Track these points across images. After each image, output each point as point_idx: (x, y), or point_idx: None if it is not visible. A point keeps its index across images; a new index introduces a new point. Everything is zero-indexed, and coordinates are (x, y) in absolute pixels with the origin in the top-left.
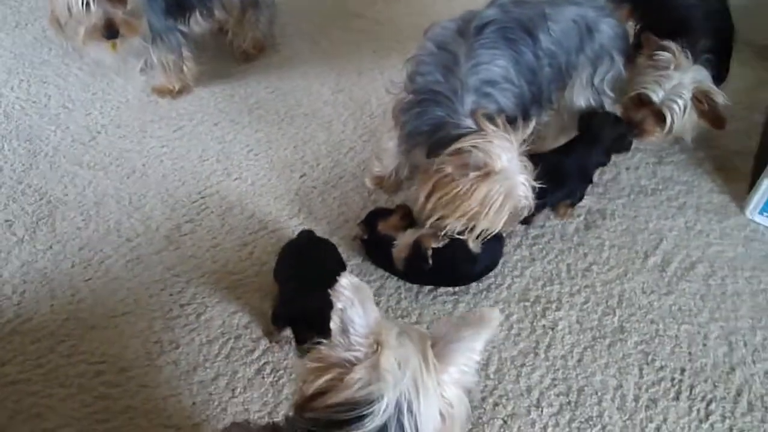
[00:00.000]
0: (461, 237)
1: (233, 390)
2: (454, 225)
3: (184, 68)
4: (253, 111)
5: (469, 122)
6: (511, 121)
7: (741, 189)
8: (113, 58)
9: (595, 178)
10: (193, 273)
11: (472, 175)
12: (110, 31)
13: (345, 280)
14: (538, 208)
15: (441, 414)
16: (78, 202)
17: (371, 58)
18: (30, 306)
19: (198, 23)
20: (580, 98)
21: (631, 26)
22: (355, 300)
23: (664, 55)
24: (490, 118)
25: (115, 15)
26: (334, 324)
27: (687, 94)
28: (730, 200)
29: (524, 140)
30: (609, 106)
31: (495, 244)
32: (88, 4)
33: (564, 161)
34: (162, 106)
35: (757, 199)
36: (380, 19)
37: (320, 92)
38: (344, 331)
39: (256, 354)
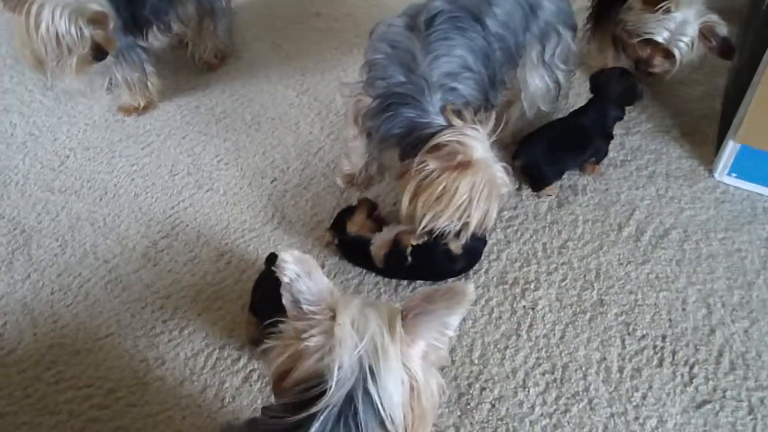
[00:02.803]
0: (451, 238)
1: (222, 400)
2: (447, 224)
3: (149, 84)
4: (220, 120)
5: (440, 120)
6: (476, 111)
7: (708, 152)
8: (80, 81)
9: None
10: (173, 288)
11: (454, 165)
12: (100, 54)
13: (286, 255)
14: (559, 173)
15: (409, 385)
16: (52, 228)
17: (333, 55)
18: (13, 337)
19: (157, 38)
20: (534, 76)
21: None
22: (301, 271)
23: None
24: (458, 113)
25: (98, 36)
26: (285, 299)
27: (693, 31)
28: (699, 164)
29: (492, 130)
30: (563, 79)
31: (474, 240)
32: (81, 30)
33: (583, 123)
34: (129, 124)
35: (724, 160)
36: (337, 15)
37: (285, 95)
38: (295, 302)
39: (242, 362)
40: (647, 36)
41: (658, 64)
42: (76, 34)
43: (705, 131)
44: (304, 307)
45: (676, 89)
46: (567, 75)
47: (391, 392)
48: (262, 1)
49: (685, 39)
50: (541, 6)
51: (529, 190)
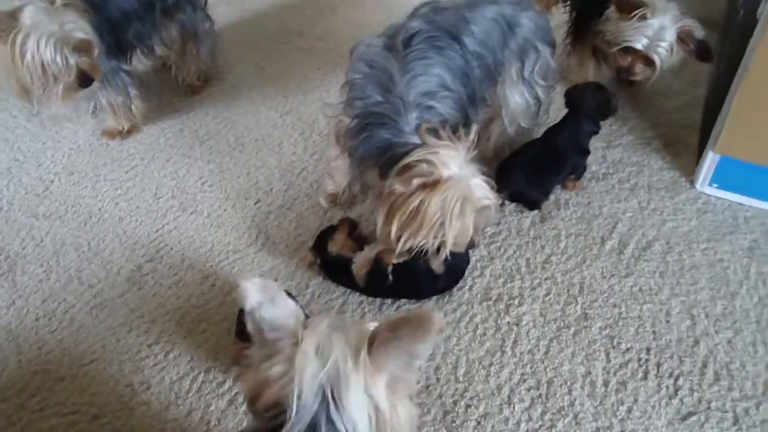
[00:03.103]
0: (432, 255)
1: (208, 423)
2: (424, 242)
3: (133, 107)
4: (204, 143)
5: (415, 139)
6: (455, 129)
7: (690, 163)
8: (66, 106)
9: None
10: (158, 312)
11: (419, 185)
12: (85, 81)
13: (247, 283)
14: (546, 193)
15: (375, 414)
16: (37, 254)
17: (315, 75)
18: None
19: (140, 61)
20: (514, 93)
21: (557, 12)
22: (263, 298)
23: (640, 10)
24: (434, 132)
25: (84, 63)
26: (249, 327)
27: (670, 36)
28: (680, 175)
29: (470, 146)
30: (543, 95)
31: (457, 258)
32: (66, 58)
33: (558, 141)
34: (113, 148)
35: (704, 171)
36: (320, 35)
37: (268, 116)
38: (258, 330)
39: (227, 385)
40: (626, 44)
41: (640, 71)
42: (62, 62)
43: (686, 142)
44: (267, 334)
45: (656, 100)
46: (547, 91)
47: (356, 421)
48: (246, 21)
49: (664, 44)
50: (519, 23)
51: (512, 206)
